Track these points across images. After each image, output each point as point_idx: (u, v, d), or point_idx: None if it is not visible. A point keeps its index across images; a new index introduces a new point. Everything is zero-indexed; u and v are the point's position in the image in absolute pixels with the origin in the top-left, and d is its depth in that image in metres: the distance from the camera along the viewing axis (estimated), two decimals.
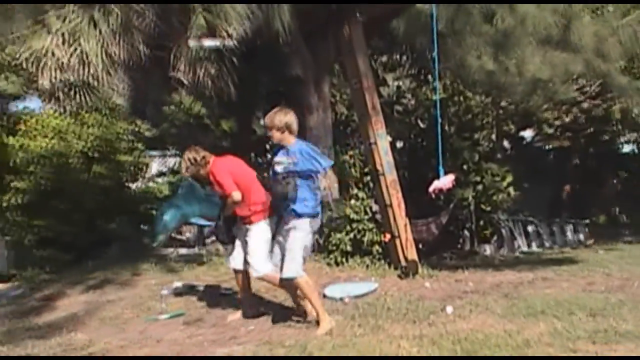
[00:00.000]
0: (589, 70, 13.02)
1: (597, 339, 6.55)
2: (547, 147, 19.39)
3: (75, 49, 11.67)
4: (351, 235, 11.53)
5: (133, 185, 14.81)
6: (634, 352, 6.12)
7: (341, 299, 8.96)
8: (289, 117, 7.84)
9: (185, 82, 14.03)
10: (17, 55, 12.92)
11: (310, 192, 7.76)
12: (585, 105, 16.40)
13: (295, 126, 7.86)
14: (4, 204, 13.32)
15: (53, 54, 11.63)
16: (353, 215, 11.62)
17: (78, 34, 11.61)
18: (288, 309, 8.62)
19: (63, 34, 11.61)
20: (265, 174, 8.28)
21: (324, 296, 9.20)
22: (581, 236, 18.04)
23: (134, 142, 14.51)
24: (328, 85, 12.79)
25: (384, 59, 16.92)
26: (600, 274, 10.91)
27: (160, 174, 15.62)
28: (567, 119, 17.47)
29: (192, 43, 12.68)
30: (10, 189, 12.72)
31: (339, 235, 11.51)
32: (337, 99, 15.60)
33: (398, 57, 16.80)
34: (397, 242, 10.92)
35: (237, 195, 8.10)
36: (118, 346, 7.41)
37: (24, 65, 12.50)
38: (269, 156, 18.16)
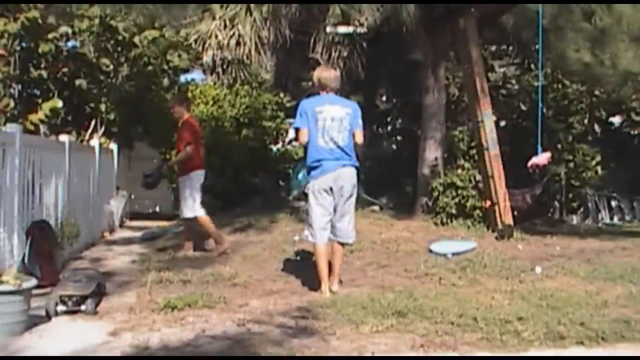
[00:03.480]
0: None
1: None
2: (633, 132, 18.68)
3: (233, 33, 11.94)
4: (456, 200, 11.41)
5: (274, 147, 15.00)
6: None
7: (444, 255, 8.93)
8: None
9: (321, 62, 14.15)
10: (187, 37, 13.36)
11: None
12: None
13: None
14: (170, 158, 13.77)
15: (215, 36, 11.92)
16: (459, 183, 11.50)
17: (236, 20, 11.87)
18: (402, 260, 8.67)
19: (224, 20, 11.88)
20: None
21: (430, 251, 9.20)
22: None
23: (277, 111, 14.66)
24: (443, 70, 12.62)
25: (493, 48, 16.57)
26: None
27: (297, 138, 15.79)
28: None
29: (329, 29, 12.76)
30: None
31: (445, 199, 11.43)
32: (450, 82, 15.38)
33: (505, 47, 16.46)
34: (496, 208, 10.79)
35: (190, 149, 9.26)
36: (257, 280, 7.58)
37: (192, 45, 12.89)
38: (389, 128, 18.30)
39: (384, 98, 18.55)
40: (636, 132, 18.80)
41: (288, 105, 14.78)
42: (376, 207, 12.93)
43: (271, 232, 10.58)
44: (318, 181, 6.91)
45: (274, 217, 11.52)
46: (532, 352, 4.89)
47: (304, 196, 13.99)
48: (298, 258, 8.88)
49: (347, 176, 6.87)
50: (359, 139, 7.01)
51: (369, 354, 4.77)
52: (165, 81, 15.73)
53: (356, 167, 7.00)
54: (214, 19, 12.14)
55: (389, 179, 14.60)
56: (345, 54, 13.26)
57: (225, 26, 12.08)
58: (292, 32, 12.39)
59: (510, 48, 16.30)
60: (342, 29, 12.88)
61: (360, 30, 12.95)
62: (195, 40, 12.44)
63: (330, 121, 6.82)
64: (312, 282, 7.14)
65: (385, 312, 5.77)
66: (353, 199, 7.01)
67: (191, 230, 9.79)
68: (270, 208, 12.38)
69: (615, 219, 17.06)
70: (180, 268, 8.09)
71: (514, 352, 4.86)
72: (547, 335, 5.19)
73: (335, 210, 6.94)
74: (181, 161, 9.50)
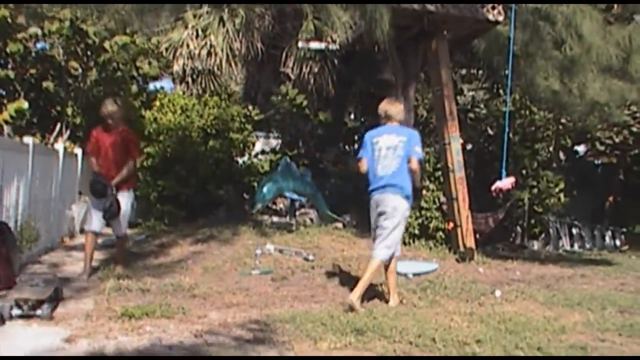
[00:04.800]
0: None
1: (624, 331, 6.41)
2: (597, 162, 18.98)
3: (205, 43, 11.95)
4: (420, 220, 11.49)
5: (240, 160, 14.97)
6: None
7: (405, 275, 8.96)
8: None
9: (292, 76, 14.19)
10: (159, 44, 13.32)
11: None
12: (634, 128, 16.07)
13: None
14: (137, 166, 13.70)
15: (187, 45, 11.93)
16: (423, 204, 11.59)
17: (208, 30, 11.88)
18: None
19: (197, 29, 11.89)
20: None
21: None
22: (618, 242, 17.68)
23: (244, 124, 14.63)
24: (413, 90, 12.73)
25: (463, 71, 16.77)
26: (632, 276, 10.71)
27: (263, 152, 15.73)
28: (617, 139, 17.06)
29: (301, 44, 12.80)
30: (143, 153, 12.99)
31: (409, 220, 11.48)
32: (419, 103, 15.51)
33: (475, 71, 16.64)
34: (459, 230, 10.88)
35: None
36: (216, 292, 7.54)
37: (163, 53, 12.87)
38: (356, 146, 18.35)
39: (352, 116, 18.63)
40: (600, 161, 19.10)
41: (256, 118, 14.77)
42: (339, 225, 12.95)
43: (233, 245, 10.53)
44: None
45: (237, 230, 11.47)
46: None
47: (268, 210, 14.14)
48: (259, 272, 8.85)
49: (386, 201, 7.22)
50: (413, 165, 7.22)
51: None
52: (134, 88, 15.62)
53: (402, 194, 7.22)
54: (186, 27, 12.15)
55: (354, 196, 14.63)
56: (316, 70, 13.33)
57: (197, 36, 12.08)
58: (264, 45, 12.43)
59: (480, 72, 16.49)
60: (315, 45, 12.94)
61: (332, 47, 13.00)
62: (166, 49, 12.43)
63: (386, 150, 7.23)
64: (272, 296, 7.13)
65: (344, 330, 5.77)
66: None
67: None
68: (233, 220, 12.33)
69: (576, 247, 17.29)
70: (140, 277, 8.02)
71: None
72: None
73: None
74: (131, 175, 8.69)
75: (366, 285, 6.99)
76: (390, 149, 7.18)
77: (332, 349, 5.27)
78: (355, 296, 6.83)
